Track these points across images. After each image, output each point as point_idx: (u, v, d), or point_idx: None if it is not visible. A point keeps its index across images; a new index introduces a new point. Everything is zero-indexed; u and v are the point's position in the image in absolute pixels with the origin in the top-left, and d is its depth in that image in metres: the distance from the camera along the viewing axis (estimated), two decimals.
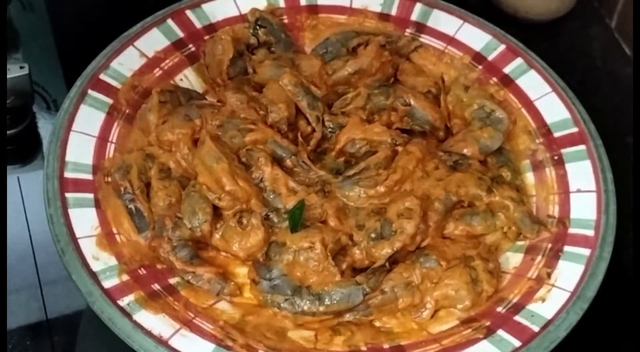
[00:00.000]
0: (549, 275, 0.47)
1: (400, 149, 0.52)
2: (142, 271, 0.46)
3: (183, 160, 0.51)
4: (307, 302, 0.46)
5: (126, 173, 0.49)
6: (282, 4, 0.61)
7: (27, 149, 0.58)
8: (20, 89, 0.56)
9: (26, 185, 0.55)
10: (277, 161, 0.51)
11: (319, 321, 0.46)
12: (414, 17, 0.61)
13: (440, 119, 0.55)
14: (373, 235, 0.48)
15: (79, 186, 0.48)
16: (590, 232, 0.49)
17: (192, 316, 0.44)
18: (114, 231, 0.47)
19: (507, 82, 0.58)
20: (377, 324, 0.47)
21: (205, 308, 0.46)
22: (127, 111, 0.53)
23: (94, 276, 0.44)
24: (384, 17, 0.62)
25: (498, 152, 0.54)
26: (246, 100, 0.53)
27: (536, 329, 0.44)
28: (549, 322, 0.44)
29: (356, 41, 0.59)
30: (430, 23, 0.61)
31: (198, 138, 0.52)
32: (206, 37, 0.58)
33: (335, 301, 0.46)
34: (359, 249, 0.48)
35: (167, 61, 0.56)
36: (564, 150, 0.53)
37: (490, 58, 0.59)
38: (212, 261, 0.48)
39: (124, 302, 0.43)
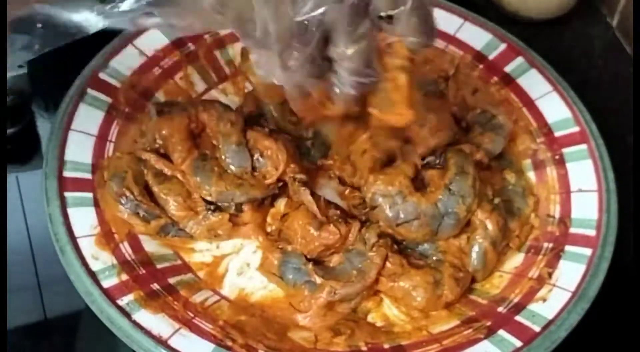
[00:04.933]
0: (550, 275, 0.47)
1: None
2: (142, 271, 0.46)
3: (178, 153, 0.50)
4: None
5: (122, 180, 0.49)
6: None
7: (26, 148, 0.58)
8: (19, 88, 0.56)
9: (25, 184, 0.55)
10: None
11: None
12: None
13: None
14: None
15: (78, 185, 0.48)
16: (591, 232, 0.48)
17: (192, 315, 0.44)
18: (114, 230, 0.47)
19: (508, 81, 0.58)
20: (378, 323, 0.47)
21: (205, 308, 0.45)
22: (127, 110, 0.53)
23: (93, 275, 0.44)
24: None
25: (500, 155, 0.54)
26: None
27: (537, 329, 0.44)
28: (550, 322, 0.44)
29: None
30: None
31: (194, 128, 0.51)
32: (206, 36, 0.58)
33: None
34: None
35: (166, 60, 0.56)
36: (565, 150, 0.53)
37: (491, 57, 0.59)
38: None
39: (123, 301, 0.43)
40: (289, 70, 0.40)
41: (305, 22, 0.38)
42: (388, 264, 0.47)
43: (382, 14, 0.39)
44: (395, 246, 0.49)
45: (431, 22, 0.41)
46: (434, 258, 0.48)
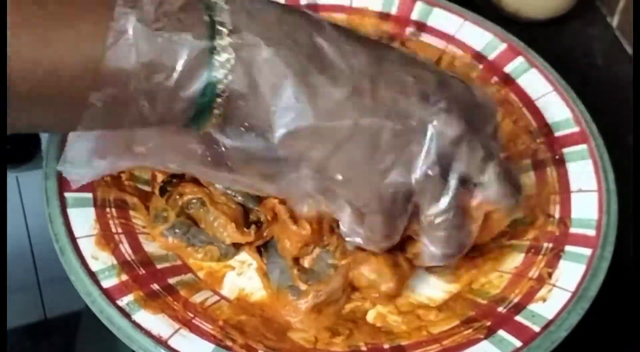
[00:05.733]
0: (550, 275, 0.47)
1: None
2: (142, 271, 0.46)
3: None
4: None
5: (164, 219, 0.49)
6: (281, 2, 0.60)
7: (26, 148, 0.58)
8: None
9: (25, 184, 0.55)
10: None
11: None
12: (414, 16, 0.61)
13: None
14: None
15: None
16: (591, 232, 0.48)
17: (192, 315, 0.44)
18: (114, 230, 0.47)
19: (508, 81, 0.57)
20: (378, 324, 0.47)
21: (204, 308, 0.45)
22: None
23: (92, 275, 0.44)
24: (384, 16, 0.61)
25: None
26: None
27: (537, 329, 0.44)
28: (550, 323, 0.44)
29: None
30: (430, 22, 0.61)
31: None
32: None
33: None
34: None
35: None
36: (565, 150, 0.53)
37: (491, 57, 0.59)
38: None
39: (123, 302, 0.43)
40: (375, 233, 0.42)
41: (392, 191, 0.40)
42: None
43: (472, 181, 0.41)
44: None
45: (517, 181, 0.44)
46: None
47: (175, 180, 0.51)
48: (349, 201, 0.41)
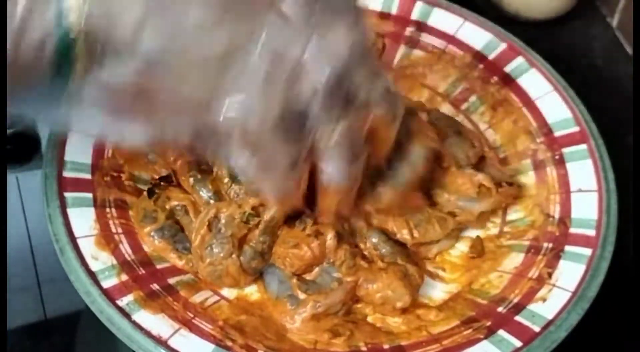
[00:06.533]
0: (549, 275, 0.47)
1: None
2: (141, 271, 0.46)
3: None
4: None
5: (154, 220, 0.49)
6: None
7: (26, 148, 0.58)
8: None
9: (25, 184, 0.55)
10: None
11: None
12: (414, 16, 0.61)
13: None
14: None
15: (77, 185, 0.48)
16: (591, 232, 0.48)
17: (192, 316, 0.44)
18: (113, 230, 0.47)
19: (508, 81, 0.57)
20: (378, 324, 0.47)
21: (204, 308, 0.45)
22: None
23: (92, 275, 0.44)
24: (384, 16, 0.61)
25: None
26: None
27: (537, 329, 0.44)
28: (550, 323, 0.44)
29: None
30: (430, 22, 0.61)
31: None
32: None
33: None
34: None
35: None
36: (565, 150, 0.53)
37: (491, 57, 0.59)
38: None
39: (123, 302, 0.43)
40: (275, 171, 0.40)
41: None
42: (364, 264, 0.47)
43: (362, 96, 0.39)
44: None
45: (398, 93, 0.43)
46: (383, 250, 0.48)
47: (164, 183, 0.50)
48: (236, 138, 0.38)
